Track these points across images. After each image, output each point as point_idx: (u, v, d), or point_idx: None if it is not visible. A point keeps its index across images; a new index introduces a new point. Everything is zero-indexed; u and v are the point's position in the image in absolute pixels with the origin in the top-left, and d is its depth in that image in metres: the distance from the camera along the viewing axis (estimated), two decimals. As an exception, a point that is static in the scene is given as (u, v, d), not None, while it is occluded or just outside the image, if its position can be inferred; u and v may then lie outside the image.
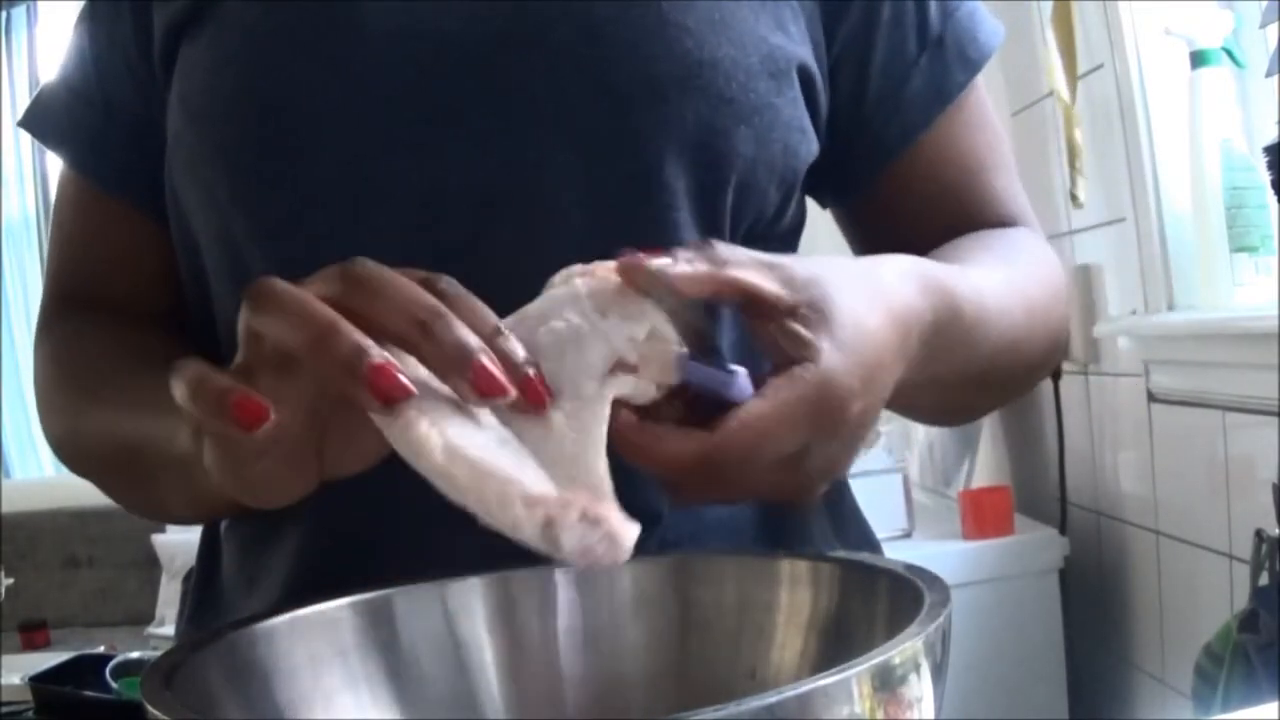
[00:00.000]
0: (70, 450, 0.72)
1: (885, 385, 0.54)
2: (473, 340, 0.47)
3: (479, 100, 0.65)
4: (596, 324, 0.50)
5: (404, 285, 0.48)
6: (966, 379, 0.66)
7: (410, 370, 0.46)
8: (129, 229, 0.76)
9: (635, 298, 0.51)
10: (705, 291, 0.50)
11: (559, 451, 0.49)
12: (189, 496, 0.61)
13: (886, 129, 0.74)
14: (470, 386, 0.46)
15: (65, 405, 0.73)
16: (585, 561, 0.45)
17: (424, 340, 0.46)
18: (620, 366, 0.50)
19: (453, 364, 0.46)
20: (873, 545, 0.78)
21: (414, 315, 0.47)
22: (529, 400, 0.48)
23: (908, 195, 0.76)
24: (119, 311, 0.76)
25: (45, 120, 0.78)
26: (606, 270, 0.52)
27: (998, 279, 0.67)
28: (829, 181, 0.76)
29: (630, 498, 0.66)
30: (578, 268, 0.53)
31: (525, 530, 0.45)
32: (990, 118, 0.78)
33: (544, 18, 0.65)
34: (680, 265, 0.49)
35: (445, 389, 0.47)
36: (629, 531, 0.46)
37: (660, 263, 0.49)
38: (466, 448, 0.46)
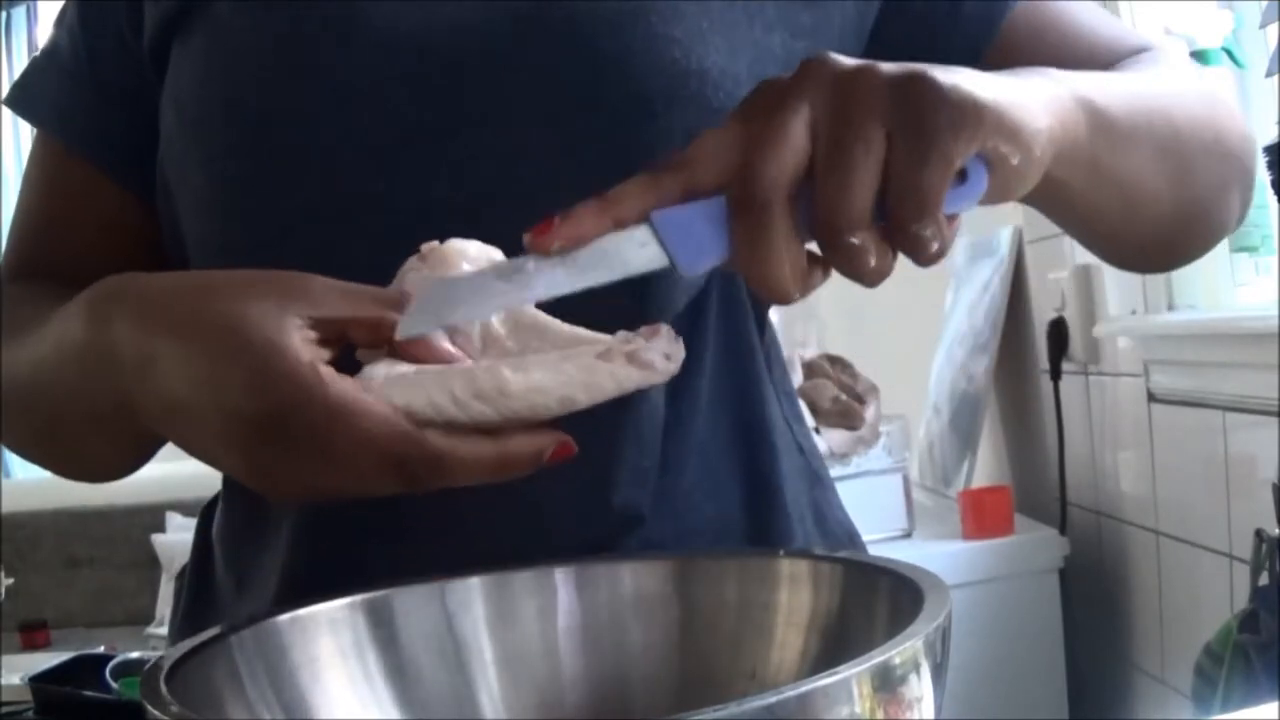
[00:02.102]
0: None
1: (962, 70, 0.49)
2: None
3: (468, 113, 0.65)
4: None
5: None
6: (1131, 127, 0.61)
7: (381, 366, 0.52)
8: (110, 204, 0.75)
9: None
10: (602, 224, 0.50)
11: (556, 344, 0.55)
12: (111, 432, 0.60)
13: (952, 46, 0.72)
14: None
15: None
16: (675, 365, 0.52)
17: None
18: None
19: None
20: (856, 542, 0.78)
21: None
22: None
23: None
24: (77, 286, 0.74)
25: (31, 95, 0.77)
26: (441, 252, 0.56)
27: (1125, 74, 0.65)
28: None
29: (612, 498, 0.67)
30: (414, 259, 0.57)
31: (621, 374, 0.52)
32: None
33: (532, 31, 0.65)
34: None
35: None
36: (670, 329, 0.53)
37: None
38: (524, 369, 0.51)
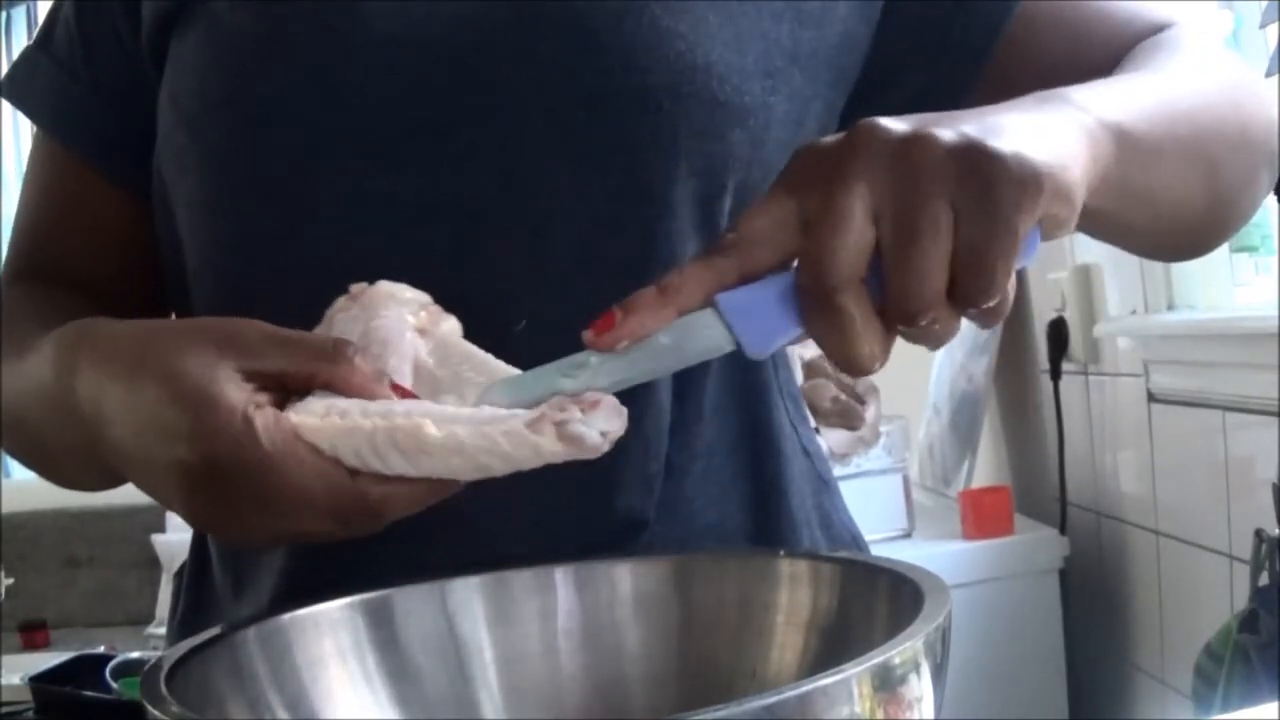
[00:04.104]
0: None
1: (1002, 120, 0.49)
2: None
3: (470, 109, 0.64)
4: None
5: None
6: (1156, 141, 0.60)
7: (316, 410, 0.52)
8: (106, 203, 0.75)
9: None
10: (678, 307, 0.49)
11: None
12: (82, 461, 0.61)
13: (969, 31, 0.71)
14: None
15: None
16: (608, 443, 0.49)
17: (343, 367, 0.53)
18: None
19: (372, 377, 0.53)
20: (860, 546, 0.78)
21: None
22: None
23: (1033, 65, 0.71)
24: (78, 289, 0.74)
25: (24, 89, 0.77)
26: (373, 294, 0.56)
27: (1124, 74, 0.64)
28: (933, 90, 0.71)
29: (617, 502, 0.67)
30: (343, 300, 0.57)
31: (547, 447, 0.49)
32: None
33: (536, 26, 0.65)
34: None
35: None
36: (615, 400, 0.50)
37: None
38: (451, 423, 0.49)
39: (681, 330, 0.49)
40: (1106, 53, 0.70)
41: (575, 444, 0.49)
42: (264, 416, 0.51)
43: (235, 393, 0.51)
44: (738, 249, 0.49)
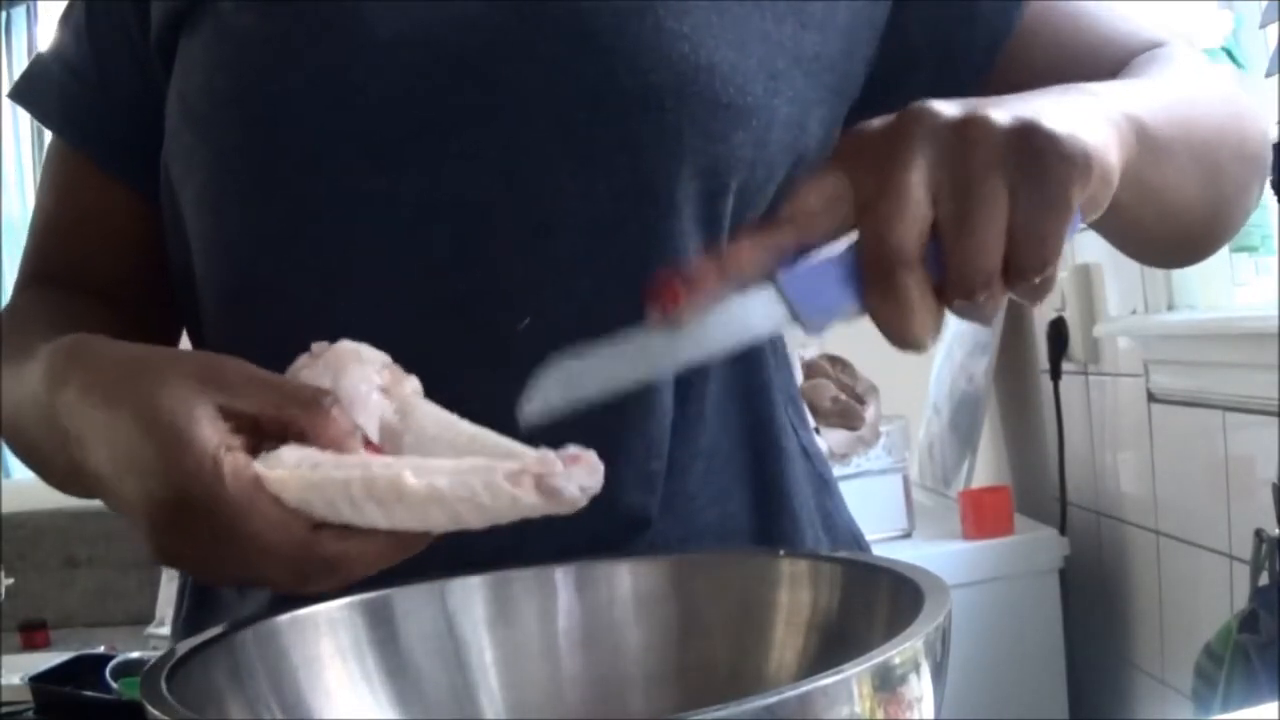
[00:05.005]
0: None
1: (1045, 104, 0.50)
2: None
3: (474, 110, 0.64)
4: None
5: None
6: (1168, 140, 0.61)
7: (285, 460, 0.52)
8: (118, 206, 0.75)
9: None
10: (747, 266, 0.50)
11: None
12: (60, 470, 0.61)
13: (971, 45, 0.72)
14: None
15: None
16: (585, 499, 0.49)
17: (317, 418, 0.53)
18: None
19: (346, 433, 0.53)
20: (862, 547, 0.78)
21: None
22: None
23: (1030, 82, 0.73)
24: (90, 293, 0.74)
25: (36, 93, 0.78)
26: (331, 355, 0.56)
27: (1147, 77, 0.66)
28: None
29: (619, 501, 0.67)
30: (305, 358, 0.57)
31: (525, 500, 0.49)
32: None
33: (541, 27, 0.65)
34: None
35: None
36: (595, 456, 0.50)
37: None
38: (430, 474, 0.49)
39: (741, 305, 0.49)
40: (1102, 68, 0.71)
41: (554, 499, 0.49)
42: (233, 461, 0.51)
43: (209, 432, 0.51)
44: (793, 223, 0.50)
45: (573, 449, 0.50)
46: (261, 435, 0.53)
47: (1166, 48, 0.73)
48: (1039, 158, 0.47)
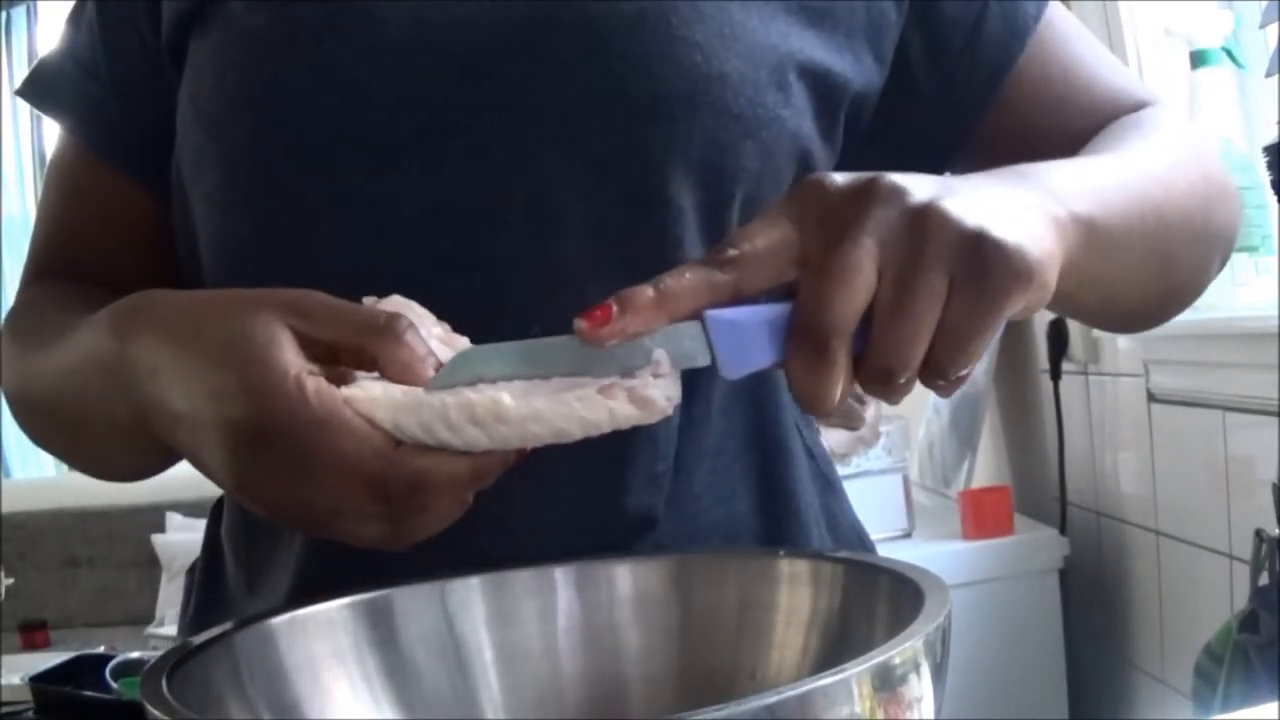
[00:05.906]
0: (21, 405, 0.71)
1: (1001, 204, 0.51)
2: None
3: (483, 112, 0.64)
4: None
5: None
6: (1122, 235, 0.62)
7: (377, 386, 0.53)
8: (129, 205, 0.75)
9: None
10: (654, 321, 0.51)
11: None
12: (128, 441, 0.62)
13: (972, 79, 0.73)
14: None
15: (15, 356, 0.72)
16: (672, 407, 0.52)
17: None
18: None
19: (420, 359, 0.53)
20: (867, 546, 0.78)
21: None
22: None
23: (1017, 130, 0.74)
24: (96, 286, 0.74)
25: (47, 91, 0.78)
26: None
27: (1102, 155, 0.67)
28: (931, 142, 0.74)
29: (625, 501, 0.67)
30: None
31: (621, 410, 0.51)
32: (1075, 25, 0.77)
33: (552, 31, 0.65)
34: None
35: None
36: (671, 364, 0.52)
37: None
38: (523, 395, 0.51)
39: (665, 337, 0.51)
40: (1089, 122, 0.73)
41: (647, 407, 0.51)
42: (316, 381, 0.52)
43: (291, 356, 0.52)
44: (737, 268, 0.51)
45: (654, 360, 0.52)
46: (338, 365, 0.54)
47: (1152, 110, 0.74)
48: (984, 266, 0.48)
